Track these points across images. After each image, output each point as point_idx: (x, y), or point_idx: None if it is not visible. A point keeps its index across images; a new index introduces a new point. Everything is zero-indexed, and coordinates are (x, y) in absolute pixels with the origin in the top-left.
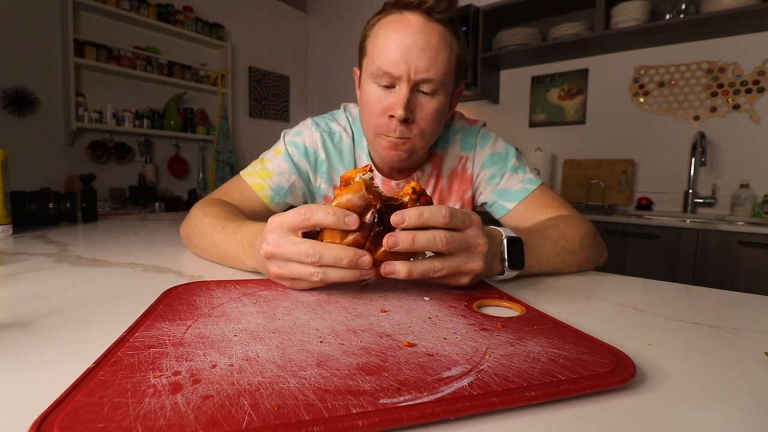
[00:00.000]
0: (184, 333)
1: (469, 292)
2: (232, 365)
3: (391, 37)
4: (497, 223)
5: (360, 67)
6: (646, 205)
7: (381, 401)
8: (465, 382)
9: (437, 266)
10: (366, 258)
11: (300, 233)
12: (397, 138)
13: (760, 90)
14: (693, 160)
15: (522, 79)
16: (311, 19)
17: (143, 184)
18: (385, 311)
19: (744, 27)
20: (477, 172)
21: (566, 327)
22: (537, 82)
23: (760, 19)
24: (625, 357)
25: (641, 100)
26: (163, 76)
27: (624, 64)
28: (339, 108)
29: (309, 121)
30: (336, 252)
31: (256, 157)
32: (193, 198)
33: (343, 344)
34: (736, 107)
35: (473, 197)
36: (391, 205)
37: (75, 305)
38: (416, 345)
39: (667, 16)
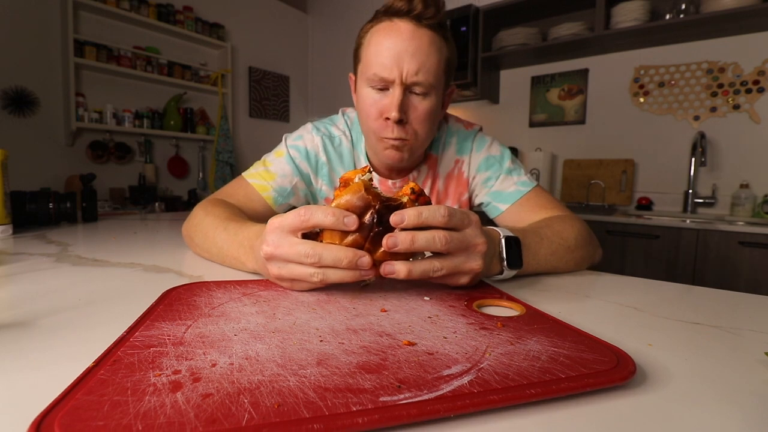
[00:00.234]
0: (184, 332)
1: (469, 292)
2: (232, 364)
3: (383, 44)
4: (494, 224)
5: (355, 73)
6: (646, 205)
7: (381, 399)
8: (465, 380)
9: (437, 266)
10: (365, 259)
11: (299, 234)
12: (395, 140)
13: (760, 90)
14: (693, 160)
15: (522, 79)
16: (311, 19)
17: (143, 184)
18: (385, 311)
19: (744, 27)
20: (473, 175)
21: (566, 326)
22: (537, 82)
23: (760, 19)
24: (625, 355)
25: (641, 100)
26: (163, 76)
27: (624, 64)
28: (337, 111)
29: (309, 125)
30: (335, 253)
31: (256, 157)
32: (193, 198)
33: (343, 343)
34: (736, 107)
35: (470, 199)
36: (390, 206)
37: (75, 305)
38: (416, 344)
39: (667, 16)
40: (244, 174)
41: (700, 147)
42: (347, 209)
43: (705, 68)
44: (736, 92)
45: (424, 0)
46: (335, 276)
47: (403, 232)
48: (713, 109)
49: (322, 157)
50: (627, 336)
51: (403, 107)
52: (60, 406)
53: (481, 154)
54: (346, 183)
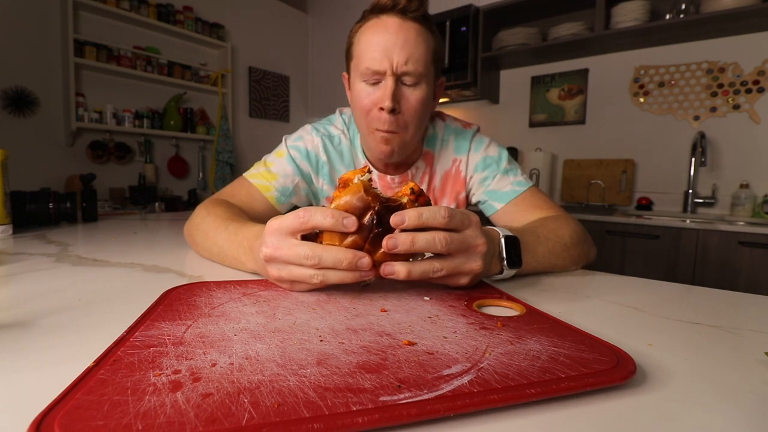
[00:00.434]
0: (184, 332)
1: (469, 292)
2: (232, 364)
3: (372, 40)
4: (490, 222)
5: (348, 72)
6: (646, 205)
7: (381, 399)
8: (465, 379)
9: (437, 266)
10: (365, 260)
11: (299, 236)
12: (388, 131)
13: (760, 90)
14: (693, 160)
15: (522, 79)
16: (311, 19)
17: (143, 184)
18: (385, 311)
19: (744, 27)
20: (470, 174)
21: (566, 326)
22: (537, 82)
23: (760, 19)
24: (625, 355)
25: (641, 100)
26: (163, 76)
27: (624, 64)
28: (335, 111)
29: (308, 126)
30: (335, 254)
31: (257, 157)
32: (193, 198)
33: (343, 343)
34: (736, 107)
35: (467, 197)
36: (390, 207)
37: (75, 305)
38: (416, 344)
39: (667, 16)
40: (245, 174)
41: (700, 147)
42: (346, 210)
43: (705, 68)
44: (736, 92)
45: None
46: (335, 277)
47: (403, 234)
48: (713, 109)
49: (323, 157)
50: (627, 336)
51: (396, 96)
52: (60, 405)
53: (479, 154)
54: (345, 184)
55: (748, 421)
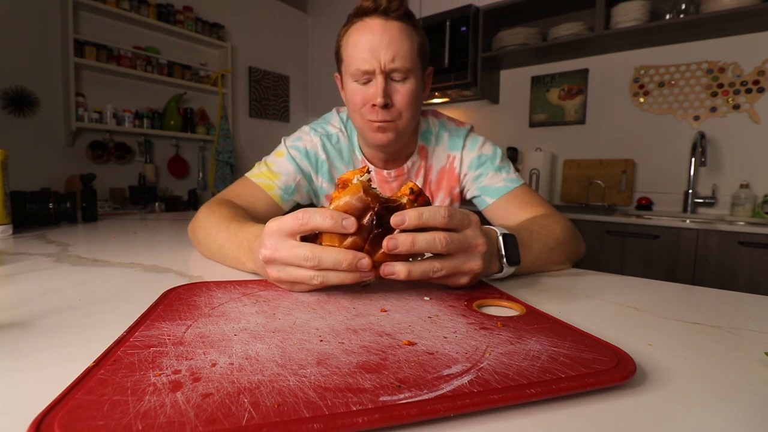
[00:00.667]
0: (184, 332)
1: (469, 292)
2: (232, 364)
3: (359, 42)
4: (486, 220)
5: (339, 72)
6: (646, 205)
7: (381, 399)
8: (465, 379)
9: (437, 266)
10: (365, 260)
11: (298, 237)
12: (382, 122)
13: (760, 90)
14: (693, 160)
15: (522, 79)
16: (311, 19)
17: (143, 184)
18: (385, 311)
19: (744, 27)
20: (465, 172)
21: (566, 326)
22: (537, 82)
23: (760, 19)
24: (625, 355)
25: (641, 100)
26: (163, 76)
27: (624, 64)
28: (331, 111)
29: (306, 128)
30: (335, 255)
31: (257, 157)
32: (193, 198)
33: (343, 343)
34: (736, 107)
35: (461, 192)
36: (390, 207)
37: (75, 305)
38: (416, 344)
39: (667, 16)
40: (247, 174)
41: (700, 147)
42: (346, 211)
43: (705, 68)
44: (736, 92)
45: None
46: (335, 278)
47: (403, 234)
48: (713, 109)
49: (322, 156)
50: (627, 336)
51: (387, 93)
52: (60, 405)
53: (473, 152)
54: (344, 184)
55: (748, 421)
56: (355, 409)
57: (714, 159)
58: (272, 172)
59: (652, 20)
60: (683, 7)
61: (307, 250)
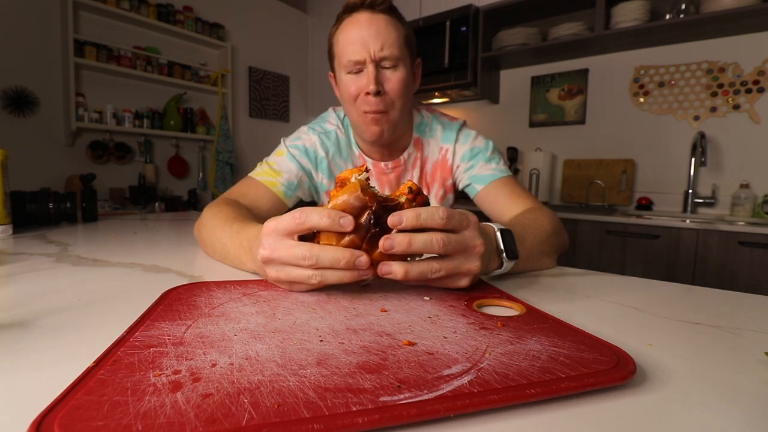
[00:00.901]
0: (184, 332)
1: (469, 292)
2: (232, 364)
3: (349, 35)
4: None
5: (333, 70)
6: (646, 205)
7: (381, 399)
8: (465, 379)
9: (435, 267)
10: (363, 258)
11: (296, 236)
12: (376, 113)
13: (760, 90)
14: (693, 160)
15: (522, 79)
16: (311, 19)
17: (143, 184)
18: (385, 311)
19: (744, 27)
20: (457, 164)
21: (566, 326)
22: (537, 82)
23: (760, 19)
24: (625, 355)
25: (641, 100)
26: (163, 76)
27: (624, 64)
28: (328, 111)
29: (304, 128)
30: (333, 254)
31: (257, 157)
32: (193, 198)
33: (343, 343)
34: (736, 107)
35: (454, 183)
36: (387, 206)
37: (75, 305)
38: (416, 344)
39: (667, 16)
40: (251, 174)
41: (700, 147)
42: (344, 210)
43: (705, 68)
44: (736, 92)
45: None
46: (333, 277)
47: (401, 234)
48: (713, 109)
49: (321, 153)
50: (627, 336)
51: (379, 80)
52: (60, 406)
53: (466, 145)
54: (342, 183)
55: (748, 421)
56: (355, 409)
57: (714, 159)
58: (274, 171)
59: (652, 20)
60: (683, 7)
61: (305, 249)
